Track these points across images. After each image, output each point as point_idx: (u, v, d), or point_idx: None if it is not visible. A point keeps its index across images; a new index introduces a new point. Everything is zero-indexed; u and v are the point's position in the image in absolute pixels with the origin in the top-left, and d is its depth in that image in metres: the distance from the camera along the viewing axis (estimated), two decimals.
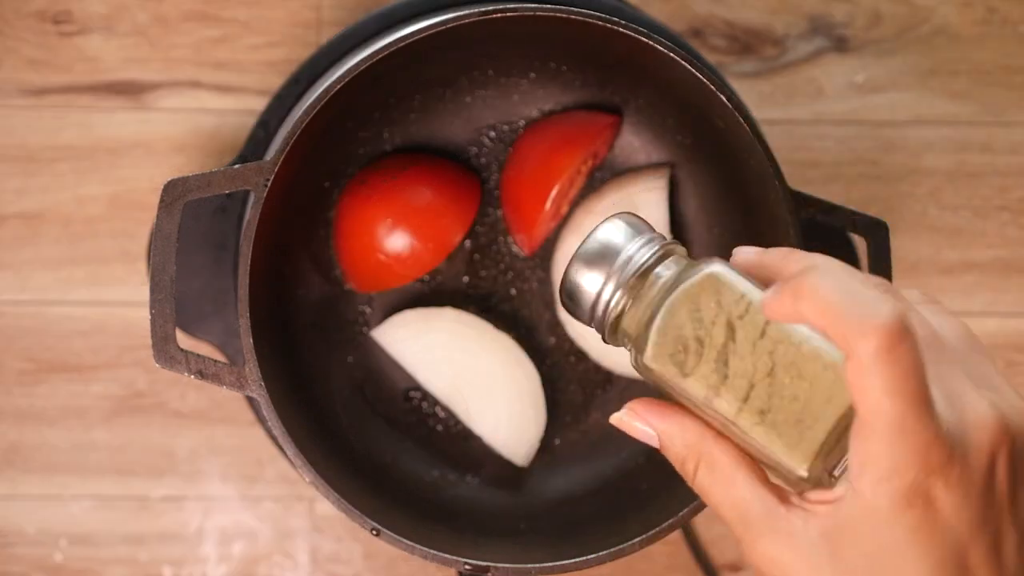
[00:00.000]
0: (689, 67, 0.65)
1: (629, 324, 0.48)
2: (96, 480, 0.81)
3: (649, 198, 0.75)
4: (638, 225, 0.49)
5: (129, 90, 0.81)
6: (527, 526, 0.74)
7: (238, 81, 0.81)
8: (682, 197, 0.77)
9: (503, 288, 0.77)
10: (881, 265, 0.68)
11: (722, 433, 0.45)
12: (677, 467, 0.46)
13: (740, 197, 0.72)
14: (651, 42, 0.64)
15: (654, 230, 0.49)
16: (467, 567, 0.66)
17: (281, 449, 0.69)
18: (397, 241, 0.73)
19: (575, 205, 0.77)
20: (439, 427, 0.77)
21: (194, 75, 0.81)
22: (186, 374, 0.64)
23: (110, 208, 0.81)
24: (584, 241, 0.49)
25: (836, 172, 0.82)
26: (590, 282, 0.49)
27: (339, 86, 0.64)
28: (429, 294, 0.77)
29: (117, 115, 0.81)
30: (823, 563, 0.42)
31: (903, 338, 0.40)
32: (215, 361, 0.64)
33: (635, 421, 0.47)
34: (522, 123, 0.77)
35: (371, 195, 0.74)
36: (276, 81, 0.79)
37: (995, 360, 0.46)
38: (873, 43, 0.82)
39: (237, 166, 0.64)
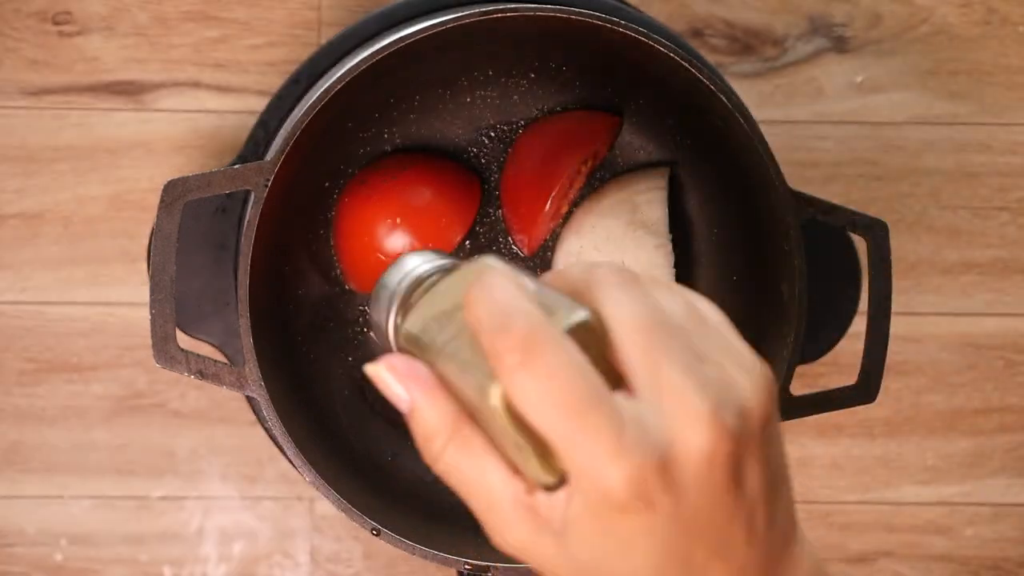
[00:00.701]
0: (689, 67, 0.65)
1: (399, 337, 0.46)
2: (96, 480, 0.81)
3: (649, 198, 0.75)
4: (437, 254, 0.47)
5: (129, 90, 0.81)
6: None
7: (238, 81, 0.81)
8: (682, 197, 0.77)
9: None
10: (881, 265, 0.68)
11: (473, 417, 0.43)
12: (420, 440, 0.43)
13: (740, 197, 0.72)
14: (651, 42, 0.64)
15: (453, 259, 0.48)
16: (467, 567, 0.66)
17: (281, 449, 0.69)
18: (397, 241, 0.73)
19: (575, 205, 0.77)
20: None
21: (194, 75, 0.81)
22: (186, 374, 0.64)
23: (110, 208, 0.81)
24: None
25: (836, 172, 0.82)
26: (378, 314, 0.47)
27: (339, 86, 0.64)
28: None
29: (117, 115, 0.81)
30: (561, 554, 0.41)
31: (537, 347, 0.39)
32: (215, 361, 0.64)
33: (392, 380, 0.43)
34: (522, 123, 0.77)
35: (371, 195, 0.74)
36: (276, 81, 0.79)
37: (726, 328, 0.43)
38: (873, 43, 0.82)
39: (237, 166, 0.64)
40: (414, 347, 0.45)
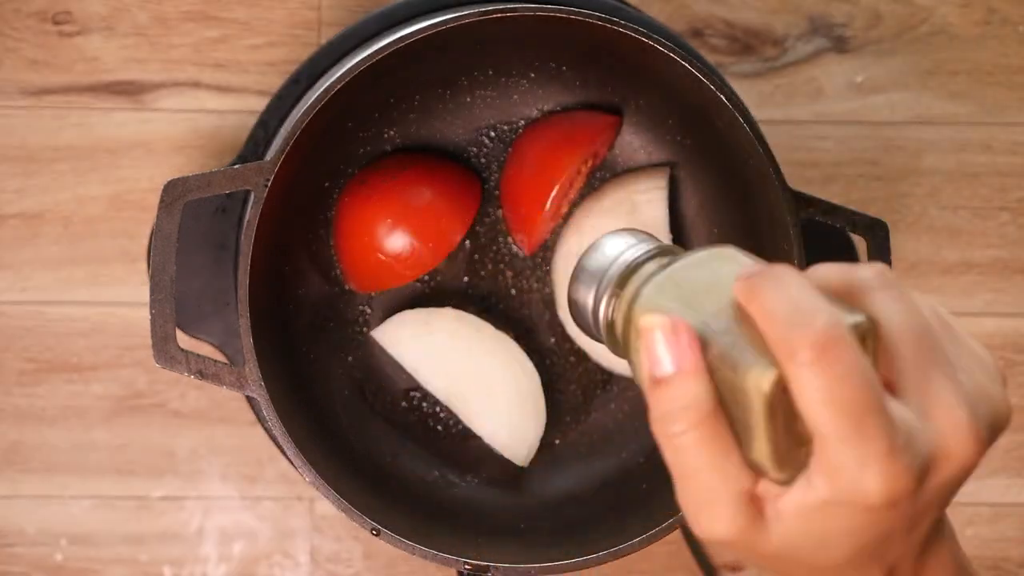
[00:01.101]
0: (689, 67, 0.65)
1: (618, 316, 0.47)
2: (96, 480, 0.81)
3: (649, 198, 0.75)
4: (634, 234, 0.48)
5: (129, 90, 0.81)
6: (527, 526, 0.74)
7: (238, 81, 0.81)
8: (682, 197, 0.77)
9: (503, 288, 0.77)
10: None
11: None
12: (662, 411, 0.42)
13: (740, 197, 0.72)
14: (651, 42, 0.64)
15: (653, 238, 0.48)
16: (467, 567, 0.66)
17: (281, 449, 0.69)
18: (397, 241, 0.73)
19: (575, 205, 0.77)
20: (439, 427, 0.77)
21: (194, 75, 0.81)
22: (186, 374, 0.64)
23: (110, 208, 0.81)
24: (578, 260, 0.48)
25: (836, 172, 0.82)
26: (584, 295, 0.48)
27: (339, 86, 0.64)
28: (429, 294, 0.77)
29: (117, 115, 0.81)
30: (766, 542, 0.42)
31: (832, 347, 0.39)
32: (215, 361, 0.64)
33: (666, 340, 0.42)
34: (522, 123, 0.77)
35: (371, 195, 0.74)
36: (276, 81, 0.79)
37: (964, 332, 0.45)
38: (873, 43, 0.82)
39: (237, 166, 0.64)
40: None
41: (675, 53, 0.65)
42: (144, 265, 0.81)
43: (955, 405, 0.41)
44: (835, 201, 0.68)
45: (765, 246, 0.71)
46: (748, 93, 0.81)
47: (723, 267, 0.44)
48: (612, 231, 0.49)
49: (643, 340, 0.43)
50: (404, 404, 0.77)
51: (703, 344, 0.43)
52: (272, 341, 0.68)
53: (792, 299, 0.40)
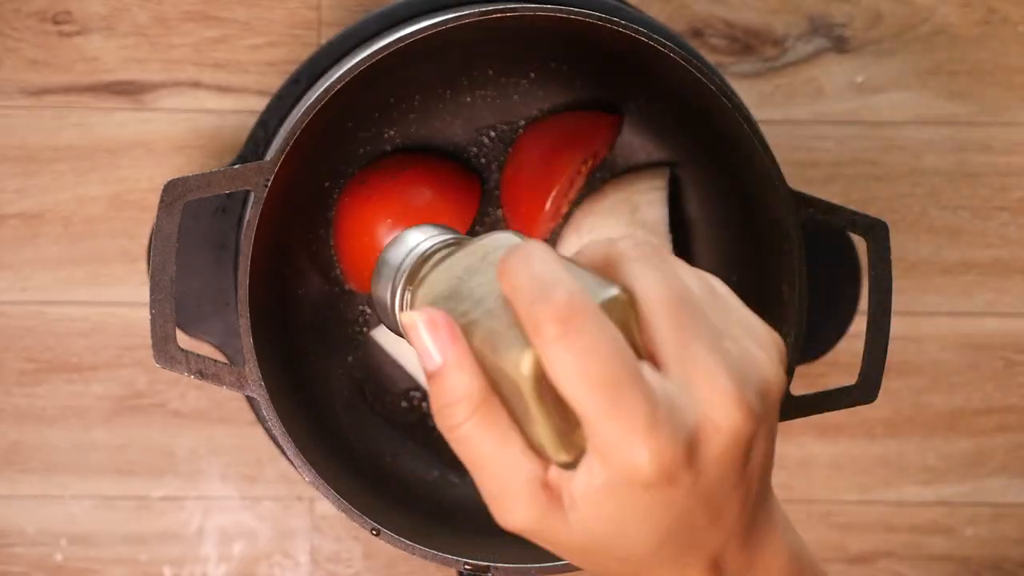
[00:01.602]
0: (689, 67, 0.65)
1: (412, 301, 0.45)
2: (96, 480, 0.81)
3: (649, 198, 0.75)
4: (436, 227, 0.47)
5: (129, 90, 0.81)
6: None
7: (238, 81, 0.81)
8: (682, 197, 0.77)
9: None
10: (881, 265, 0.68)
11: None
12: (439, 404, 0.41)
13: (740, 197, 0.72)
14: (651, 42, 0.64)
15: (453, 231, 0.47)
16: (467, 567, 0.66)
17: (281, 449, 0.69)
18: None
19: (575, 205, 0.77)
20: None
21: (194, 75, 0.81)
22: (186, 374, 0.64)
23: (110, 208, 0.81)
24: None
25: (836, 172, 0.82)
26: (382, 290, 0.46)
27: (339, 86, 0.64)
28: None
29: (117, 115, 0.81)
30: (567, 530, 0.41)
31: (575, 319, 0.38)
32: (215, 361, 0.64)
33: (427, 335, 0.41)
34: (522, 123, 0.77)
35: (371, 195, 0.74)
36: (276, 81, 0.79)
37: (736, 300, 0.43)
38: (873, 43, 0.82)
39: (237, 166, 0.64)
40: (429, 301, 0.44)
41: (675, 53, 0.64)
42: (144, 265, 0.81)
43: (718, 375, 0.40)
44: (835, 201, 0.68)
45: (765, 246, 0.71)
46: (748, 93, 0.81)
47: (495, 253, 0.43)
48: (415, 226, 0.47)
49: (409, 336, 0.42)
50: (404, 404, 0.77)
51: (468, 332, 0.41)
52: (272, 341, 0.68)
53: (535, 274, 0.39)
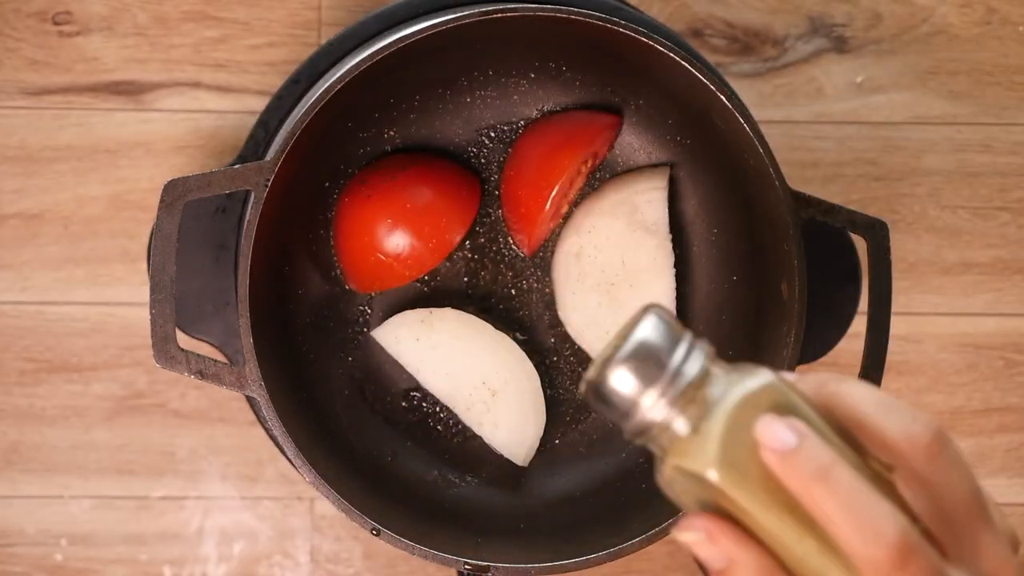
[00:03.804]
0: (689, 67, 0.65)
1: (677, 436, 0.44)
2: (96, 480, 0.81)
3: (649, 198, 0.75)
4: (673, 326, 0.44)
5: (129, 90, 0.81)
6: (527, 526, 0.74)
7: (238, 81, 0.81)
8: (682, 197, 0.77)
9: (503, 288, 0.77)
10: (881, 265, 0.68)
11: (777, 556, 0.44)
12: None
13: (740, 197, 0.72)
14: (651, 42, 0.64)
15: (684, 327, 0.45)
16: (467, 567, 0.66)
17: (281, 449, 0.69)
18: (397, 241, 0.73)
19: (575, 205, 0.77)
20: (439, 427, 0.77)
21: (194, 75, 0.81)
22: (186, 374, 0.64)
23: (110, 208, 0.81)
24: (622, 342, 0.44)
25: (836, 172, 0.82)
26: (628, 387, 0.44)
27: (339, 86, 0.64)
28: (429, 294, 0.77)
29: (117, 115, 0.81)
30: None
31: (911, 558, 0.41)
32: (215, 361, 0.64)
33: (708, 543, 0.43)
34: (522, 123, 0.77)
35: (371, 195, 0.74)
36: (276, 81, 0.79)
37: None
38: (873, 43, 0.82)
39: (237, 166, 0.64)
40: (723, 471, 0.43)
41: (675, 53, 0.65)
42: (144, 265, 0.81)
43: (1004, 559, 0.45)
44: (835, 201, 0.68)
45: (765, 246, 0.71)
46: (748, 93, 0.81)
47: (762, 406, 0.43)
48: (650, 312, 0.44)
49: (690, 547, 0.44)
50: (404, 404, 0.77)
51: (763, 514, 0.43)
52: (272, 341, 0.69)
53: (851, 506, 0.42)
